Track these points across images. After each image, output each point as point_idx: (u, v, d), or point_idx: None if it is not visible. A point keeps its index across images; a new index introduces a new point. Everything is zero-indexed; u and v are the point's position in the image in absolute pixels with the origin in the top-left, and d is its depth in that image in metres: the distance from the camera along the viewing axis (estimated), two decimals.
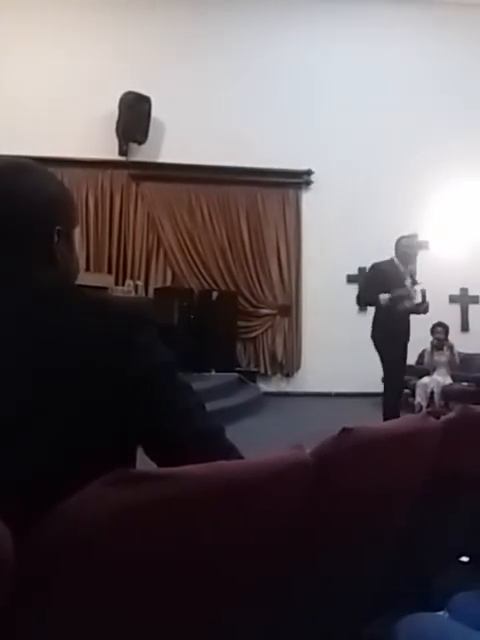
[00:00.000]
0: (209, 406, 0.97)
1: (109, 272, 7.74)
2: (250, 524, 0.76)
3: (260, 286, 8.18)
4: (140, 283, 7.50)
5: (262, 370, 8.14)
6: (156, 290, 7.76)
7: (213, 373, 7.00)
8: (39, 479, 0.79)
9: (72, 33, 7.88)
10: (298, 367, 8.25)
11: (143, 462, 0.87)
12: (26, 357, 0.84)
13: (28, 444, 0.80)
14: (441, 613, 1.22)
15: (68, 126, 7.61)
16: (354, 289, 8.32)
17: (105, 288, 6.48)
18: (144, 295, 7.43)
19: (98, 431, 0.84)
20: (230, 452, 0.91)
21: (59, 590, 0.61)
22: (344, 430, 0.94)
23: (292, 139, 8.02)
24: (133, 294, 7.05)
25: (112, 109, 7.62)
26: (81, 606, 0.63)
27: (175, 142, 7.92)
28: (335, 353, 7.86)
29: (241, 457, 0.90)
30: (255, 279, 8.18)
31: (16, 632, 0.59)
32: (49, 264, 0.98)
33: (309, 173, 8.26)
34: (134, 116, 7.57)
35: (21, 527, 0.56)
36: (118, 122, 7.67)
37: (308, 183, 8.31)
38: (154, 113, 7.74)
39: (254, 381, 7.68)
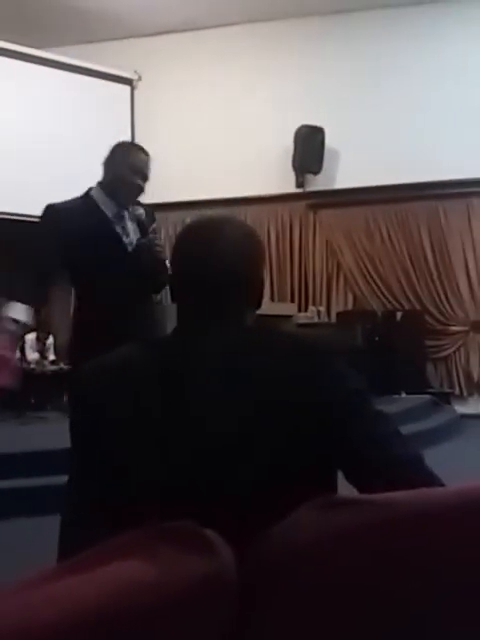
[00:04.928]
0: (402, 430, 0.97)
1: (291, 300, 7.94)
2: (453, 552, 0.74)
3: (448, 302, 7.79)
4: (322, 309, 7.59)
5: (457, 391, 7.69)
6: (338, 314, 7.78)
7: (403, 395, 6.79)
8: (250, 503, 0.87)
9: (246, 75, 8.30)
10: None
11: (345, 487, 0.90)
12: (238, 390, 0.93)
13: (239, 471, 0.88)
14: None
15: (248, 166, 8.04)
16: None
17: (289, 316, 6.68)
18: (327, 320, 7.49)
19: (301, 459, 0.90)
20: (431, 479, 0.91)
21: (277, 610, 0.65)
22: None
23: (471, 145, 7.60)
24: (316, 320, 7.14)
25: (287, 144, 7.89)
26: (295, 625, 0.67)
27: (349, 167, 7.95)
28: None
29: (442, 484, 0.89)
30: (442, 295, 7.81)
31: None
32: (257, 305, 1.08)
33: None
34: (309, 148, 7.78)
35: (236, 549, 0.62)
36: (294, 156, 7.93)
37: None
38: (327, 141, 7.87)
39: (449, 403, 7.30)
